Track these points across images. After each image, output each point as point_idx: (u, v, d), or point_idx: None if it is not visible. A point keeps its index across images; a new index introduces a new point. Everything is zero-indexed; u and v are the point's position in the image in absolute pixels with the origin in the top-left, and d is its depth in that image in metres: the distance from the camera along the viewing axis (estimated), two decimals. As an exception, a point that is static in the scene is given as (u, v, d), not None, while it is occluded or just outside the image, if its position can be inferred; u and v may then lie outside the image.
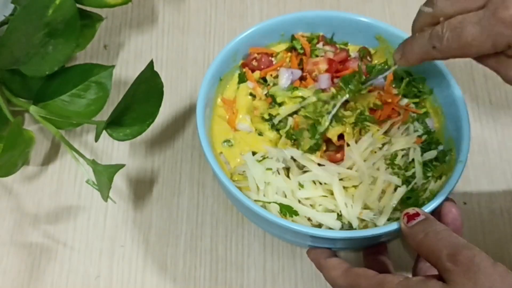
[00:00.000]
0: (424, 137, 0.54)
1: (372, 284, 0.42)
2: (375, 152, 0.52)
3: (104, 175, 0.50)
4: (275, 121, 0.54)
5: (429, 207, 0.47)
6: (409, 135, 0.54)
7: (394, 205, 0.50)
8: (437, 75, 0.54)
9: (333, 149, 0.53)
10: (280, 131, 0.54)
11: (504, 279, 0.37)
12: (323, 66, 0.56)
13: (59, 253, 0.56)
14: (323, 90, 0.55)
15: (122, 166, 0.50)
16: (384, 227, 0.47)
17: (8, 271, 0.55)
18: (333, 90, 0.53)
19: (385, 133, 0.54)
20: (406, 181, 0.51)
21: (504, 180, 0.60)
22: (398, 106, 0.55)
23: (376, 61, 0.58)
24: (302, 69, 0.57)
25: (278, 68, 0.57)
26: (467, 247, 0.39)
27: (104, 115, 0.57)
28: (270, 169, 0.51)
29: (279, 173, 0.52)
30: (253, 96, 0.57)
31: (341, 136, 0.52)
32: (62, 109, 0.58)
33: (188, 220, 0.57)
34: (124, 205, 0.58)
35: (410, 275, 0.43)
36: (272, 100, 0.55)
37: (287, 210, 0.49)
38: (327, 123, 0.52)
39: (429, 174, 0.52)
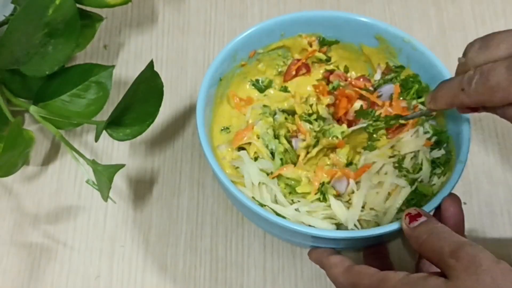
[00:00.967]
0: (433, 138, 0.54)
1: (373, 281, 0.42)
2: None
3: (104, 175, 0.50)
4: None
5: (429, 207, 0.47)
6: (418, 137, 0.54)
7: (399, 206, 0.50)
8: (438, 75, 0.54)
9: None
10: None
11: (506, 276, 0.37)
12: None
13: (59, 253, 0.56)
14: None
15: (122, 166, 0.50)
16: (386, 226, 0.46)
17: (8, 271, 0.55)
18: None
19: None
20: (412, 182, 0.51)
21: (504, 180, 0.60)
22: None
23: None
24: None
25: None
26: (470, 244, 0.39)
27: (104, 115, 0.57)
28: (265, 171, 0.52)
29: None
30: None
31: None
32: (62, 109, 0.58)
33: (188, 220, 0.57)
34: (124, 205, 0.58)
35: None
36: None
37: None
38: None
39: (436, 171, 0.52)
